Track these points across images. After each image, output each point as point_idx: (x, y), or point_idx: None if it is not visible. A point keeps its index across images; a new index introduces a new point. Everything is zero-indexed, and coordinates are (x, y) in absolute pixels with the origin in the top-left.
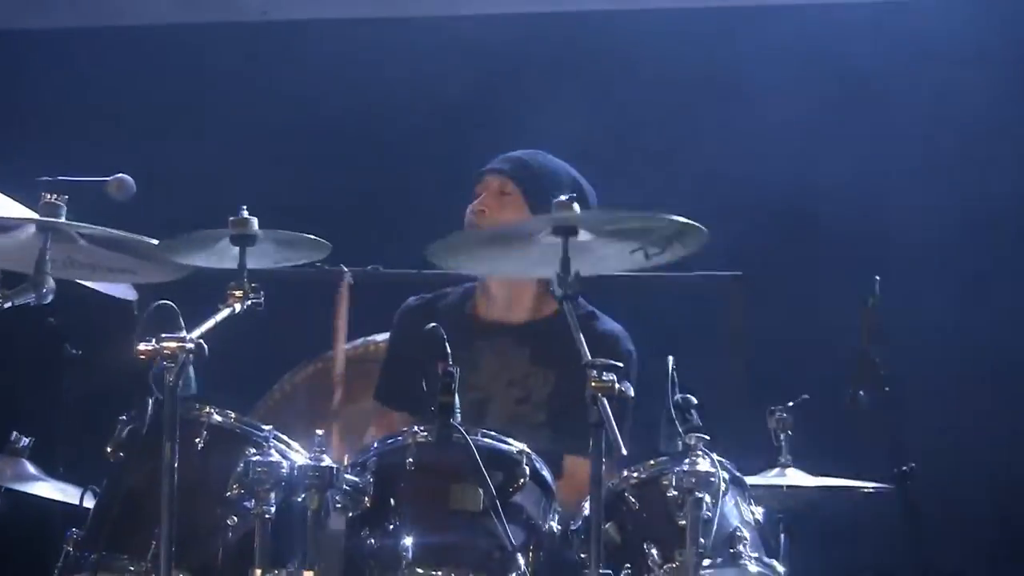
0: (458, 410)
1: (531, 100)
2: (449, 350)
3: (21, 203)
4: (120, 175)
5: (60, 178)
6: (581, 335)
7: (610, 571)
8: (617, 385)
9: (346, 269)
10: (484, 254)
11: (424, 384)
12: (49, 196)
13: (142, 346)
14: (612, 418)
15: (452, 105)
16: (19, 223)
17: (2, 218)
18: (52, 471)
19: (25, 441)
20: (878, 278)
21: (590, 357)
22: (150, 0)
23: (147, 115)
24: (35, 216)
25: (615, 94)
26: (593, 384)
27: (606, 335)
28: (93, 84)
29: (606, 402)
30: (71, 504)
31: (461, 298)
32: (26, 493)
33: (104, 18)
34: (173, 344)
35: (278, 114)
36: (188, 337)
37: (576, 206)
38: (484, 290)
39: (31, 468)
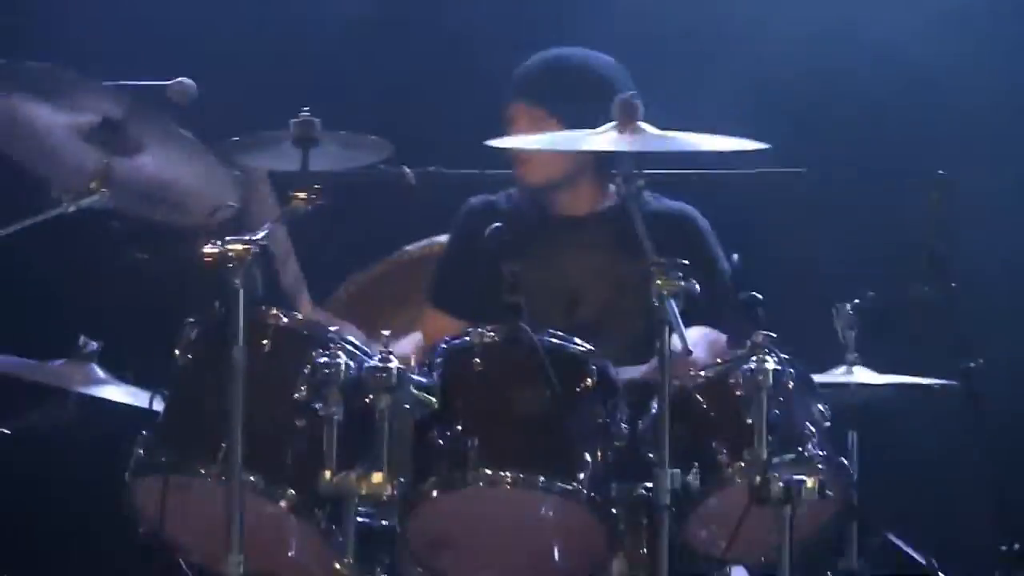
0: (524, 310)
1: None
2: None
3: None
4: (181, 79)
5: (122, 83)
6: (645, 222)
7: (679, 470)
8: (683, 283)
9: (408, 170)
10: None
11: (486, 286)
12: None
13: (207, 248)
14: (678, 317)
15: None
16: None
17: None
18: (121, 375)
19: (93, 345)
20: (942, 172)
21: (653, 252)
22: None
23: (205, 17)
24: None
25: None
26: (659, 282)
27: (676, 212)
28: None
29: (672, 302)
30: (141, 408)
31: (531, 196)
32: (96, 398)
33: None
34: (238, 246)
35: (336, 18)
36: (254, 239)
37: (640, 105)
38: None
39: (100, 372)
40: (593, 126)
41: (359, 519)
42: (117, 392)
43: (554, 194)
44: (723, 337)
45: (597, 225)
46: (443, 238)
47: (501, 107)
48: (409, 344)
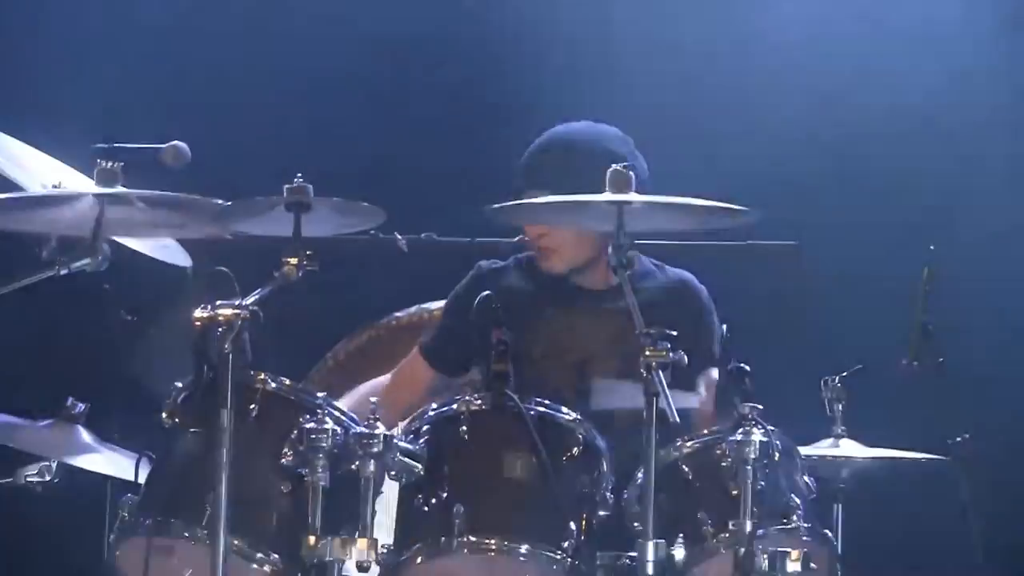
0: (511, 378)
1: (580, 70)
2: (501, 317)
3: (76, 169)
4: (175, 142)
5: (115, 145)
6: (643, 295)
7: (663, 540)
8: (671, 355)
9: (400, 237)
10: (544, 216)
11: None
12: (105, 163)
13: (198, 312)
14: (666, 387)
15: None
16: (72, 198)
17: (64, 191)
18: (107, 437)
19: (80, 407)
20: (933, 247)
21: (643, 325)
22: None
23: (200, 81)
24: (92, 185)
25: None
26: (648, 353)
27: (678, 282)
28: (144, 50)
29: (660, 372)
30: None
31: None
32: (80, 468)
33: None
34: (228, 311)
35: (331, 83)
36: (243, 304)
37: (632, 176)
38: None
39: (85, 435)
40: None
41: None
42: (101, 460)
43: (579, 275)
44: None
45: (610, 298)
46: (433, 305)
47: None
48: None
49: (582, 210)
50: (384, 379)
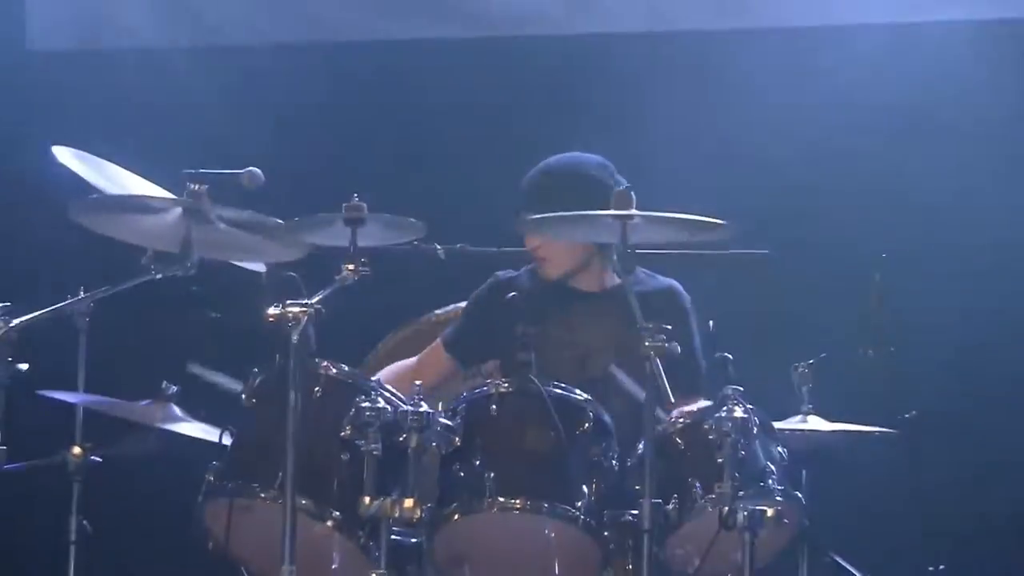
0: (533, 364)
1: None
2: (525, 316)
3: (168, 191)
4: (251, 168)
5: (201, 171)
6: (636, 298)
7: (660, 500)
8: (666, 345)
9: (438, 247)
10: (560, 229)
11: (499, 346)
12: (194, 186)
13: (270, 310)
14: (663, 373)
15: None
16: (167, 205)
17: (157, 198)
18: (195, 415)
19: (173, 389)
20: (884, 255)
21: (643, 321)
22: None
23: (272, 118)
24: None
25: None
26: (646, 344)
27: (666, 289)
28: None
29: (657, 360)
30: (211, 442)
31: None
32: (174, 432)
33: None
34: (296, 309)
35: (380, 113)
36: (309, 303)
37: (632, 196)
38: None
39: (178, 411)
40: None
41: (393, 536)
42: (192, 428)
43: (573, 279)
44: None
45: (605, 300)
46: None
47: (515, 215)
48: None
49: (592, 224)
50: (409, 362)
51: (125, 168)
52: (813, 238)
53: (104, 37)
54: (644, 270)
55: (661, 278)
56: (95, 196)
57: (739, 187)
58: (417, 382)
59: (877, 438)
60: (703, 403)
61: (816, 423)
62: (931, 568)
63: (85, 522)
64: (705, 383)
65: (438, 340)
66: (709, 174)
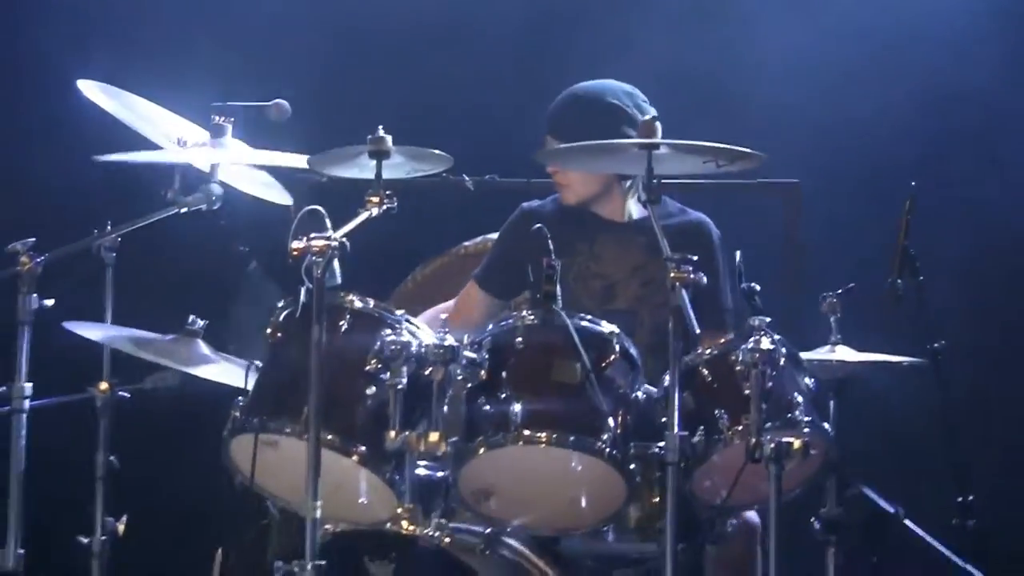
0: (559, 296)
1: (614, 25)
2: (552, 247)
3: (195, 123)
4: (278, 100)
5: (228, 103)
6: (664, 231)
7: (687, 432)
8: (692, 276)
9: (467, 178)
10: (584, 159)
11: (530, 276)
12: (218, 118)
13: (295, 244)
14: (688, 304)
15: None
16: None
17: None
18: (222, 348)
19: (200, 323)
20: (914, 183)
21: (670, 251)
22: None
23: (298, 46)
24: (207, 136)
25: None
26: (672, 275)
27: (695, 223)
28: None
29: (684, 290)
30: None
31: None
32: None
33: None
34: (320, 242)
35: (406, 44)
36: (333, 236)
37: (658, 125)
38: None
39: (204, 347)
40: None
41: (420, 470)
42: (216, 369)
43: (593, 206)
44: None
45: (632, 231)
46: (495, 235)
47: (541, 141)
48: (435, 312)
49: (616, 154)
50: (449, 304)
51: (152, 101)
52: (842, 168)
53: None
54: (675, 202)
55: (691, 212)
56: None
57: (769, 114)
58: (443, 316)
59: (906, 368)
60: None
61: (844, 353)
62: (960, 499)
63: (112, 458)
64: (731, 319)
65: (471, 279)
66: (735, 103)
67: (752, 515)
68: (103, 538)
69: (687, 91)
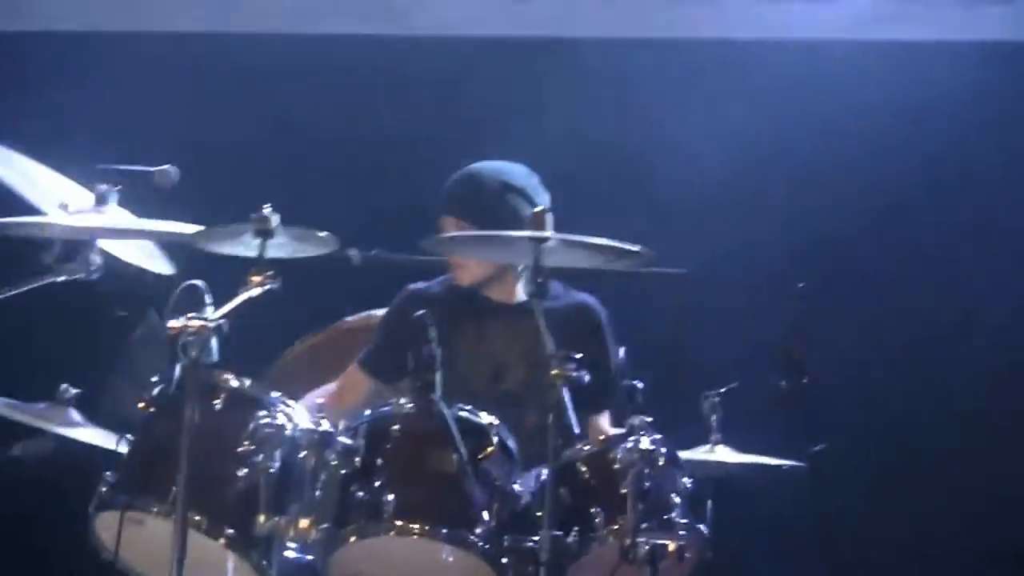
0: (438, 386)
1: (511, 115)
2: (433, 335)
3: (78, 182)
4: (166, 166)
5: (114, 167)
6: (550, 314)
7: (561, 532)
8: (574, 374)
9: (353, 251)
10: (471, 249)
11: (410, 363)
12: (102, 186)
13: (171, 323)
14: (568, 402)
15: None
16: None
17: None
18: (95, 419)
19: (72, 392)
20: (801, 285)
21: (553, 347)
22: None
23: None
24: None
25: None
26: (554, 372)
27: (580, 305)
28: (144, 85)
29: (564, 388)
30: (108, 448)
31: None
32: (70, 438)
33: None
34: (197, 323)
35: (294, 120)
36: (210, 318)
37: (550, 217)
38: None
39: (76, 416)
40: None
41: (289, 554)
42: (89, 434)
43: (485, 288)
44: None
45: (521, 314)
46: (380, 311)
47: (435, 216)
48: (318, 394)
49: (504, 245)
50: (330, 387)
51: (36, 161)
52: (731, 263)
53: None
54: (560, 284)
55: (577, 294)
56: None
57: (657, 208)
58: (319, 400)
59: (785, 471)
60: (610, 429)
61: (724, 454)
62: None
63: None
64: (618, 398)
65: (355, 362)
66: (628, 192)
67: None
68: None
69: (585, 168)
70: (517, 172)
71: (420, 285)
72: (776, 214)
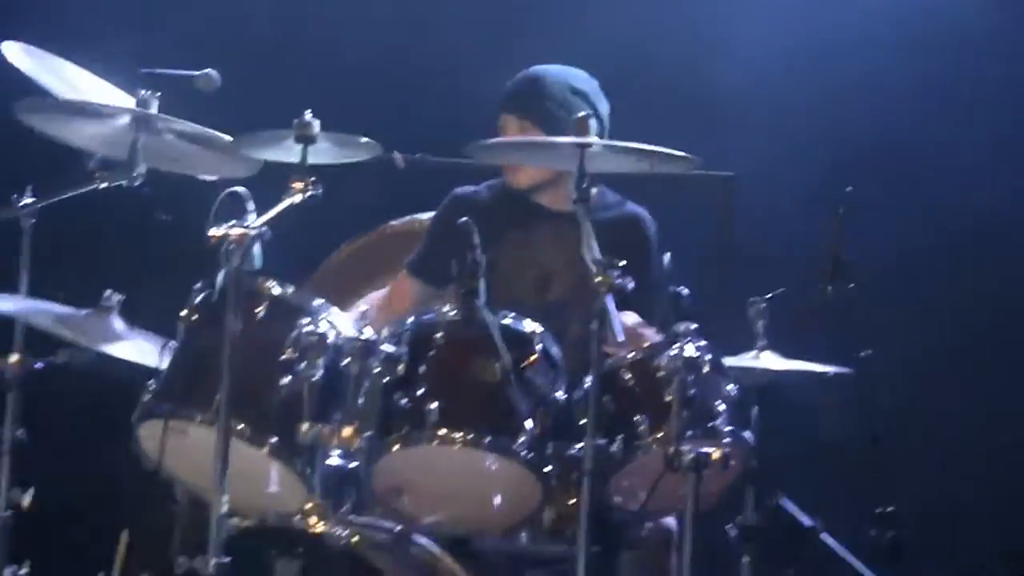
0: (482, 293)
1: (566, 10)
2: (477, 242)
3: (122, 90)
4: (208, 70)
5: (157, 71)
6: (599, 224)
7: (604, 440)
8: (618, 281)
9: (398, 155)
10: (516, 154)
11: (454, 269)
12: (144, 91)
13: (212, 231)
14: (612, 309)
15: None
16: (116, 111)
17: (103, 105)
18: (140, 325)
19: (116, 298)
20: (850, 188)
21: (597, 253)
22: None
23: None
24: (132, 105)
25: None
26: (598, 279)
27: (631, 217)
28: None
29: (609, 296)
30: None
31: (516, 191)
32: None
33: None
34: (239, 231)
35: (335, 24)
36: (252, 225)
37: (592, 123)
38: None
39: (119, 324)
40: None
41: (332, 461)
42: (131, 347)
43: (540, 193)
44: (650, 330)
45: (569, 221)
46: (424, 215)
47: (493, 117)
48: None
49: (549, 150)
50: (380, 293)
51: (79, 65)
52: (778, 166)
53: None
54: (614, 194)
55: (630, 205)
56: (39, 99)
57: (705, 111)
58: (363, 307)
59: (831, 377)
60: (654, 336)
61: (769, 360)
62: (877, 510)
63: (21, 431)
64: (659, 315)
65: (404, 268)
66: (675, 97)
67: (669, 520)
68: (7, 512)
69: (628, 72)
70: (580, 76)
71: (468, 189)
72: (824, 116)
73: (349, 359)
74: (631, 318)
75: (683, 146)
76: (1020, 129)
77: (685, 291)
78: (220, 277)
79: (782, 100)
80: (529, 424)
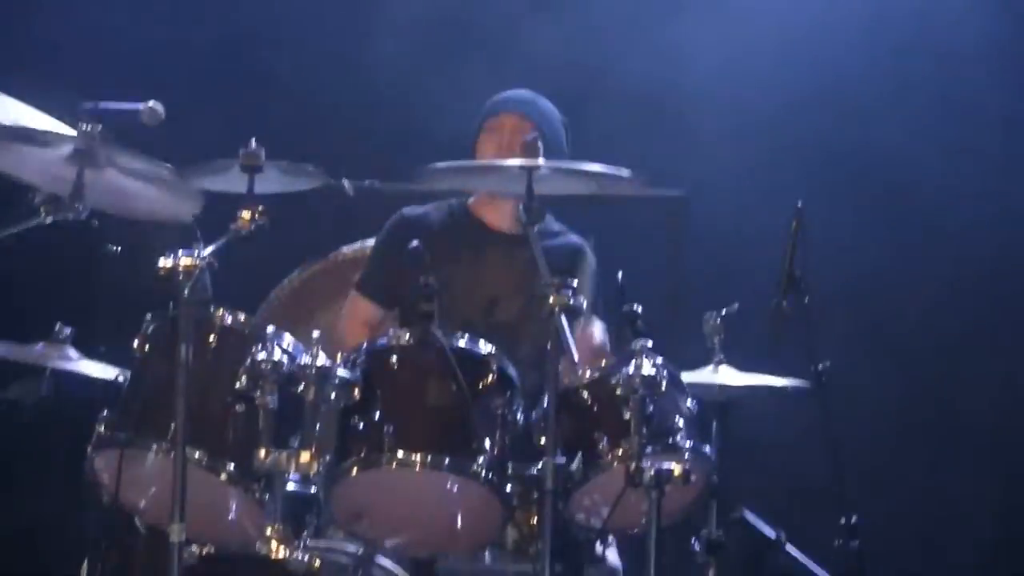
0: (436, 317)
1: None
2: (428, 263)
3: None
4: (152, 102)
5: (99, 104)
6: (543, 252)
7: (564, 459)
8: (571, 301)
9: (347, 182)
10: (464, 179)
11: (409, 294)
12: (86, 126)
13: (162, 262)
14: (567, 328)
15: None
16: (56, 139)
17: (43, 131)
18: (92, 357)
19: (68, 330)
20: (800, 204)
21: (549, 275)
22: None
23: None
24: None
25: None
26: (551, 300)
27: (573, 248)
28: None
29: (562, 316)
30: (105, 388)
31: (461, 207)
32: (69, 372)
33: None
34: (188, 261)
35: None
36: (201, 256)
37: (541, 146)
38: (483, 203)
39: (73, 353)
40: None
41: (291, 488)
42: (86, 367)
43: (485, 211)
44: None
45: (518, 244)
46: (372, 241)
47: (482, 118)
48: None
49: (497, 174)
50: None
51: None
52: (729, 183)
53: None
54: (558, 223)
55: (571, 235)
56: None
57: (661, 126)
58: (316, 333)
59: (789, 390)
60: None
61: (727, 375)
62: (842, 520)
63: None
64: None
65: (353, 289)
66: (624, 116)
67: (613, 559)
68: None
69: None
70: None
71: (416, 209)
72: (779, 130)
73: (304, 385)
74: (599, 331)
75: (639, 160)
76: (979, 139)
77: (639, 309)
78: (171, 306)
79: (738, 113)
80: (488, 444)
